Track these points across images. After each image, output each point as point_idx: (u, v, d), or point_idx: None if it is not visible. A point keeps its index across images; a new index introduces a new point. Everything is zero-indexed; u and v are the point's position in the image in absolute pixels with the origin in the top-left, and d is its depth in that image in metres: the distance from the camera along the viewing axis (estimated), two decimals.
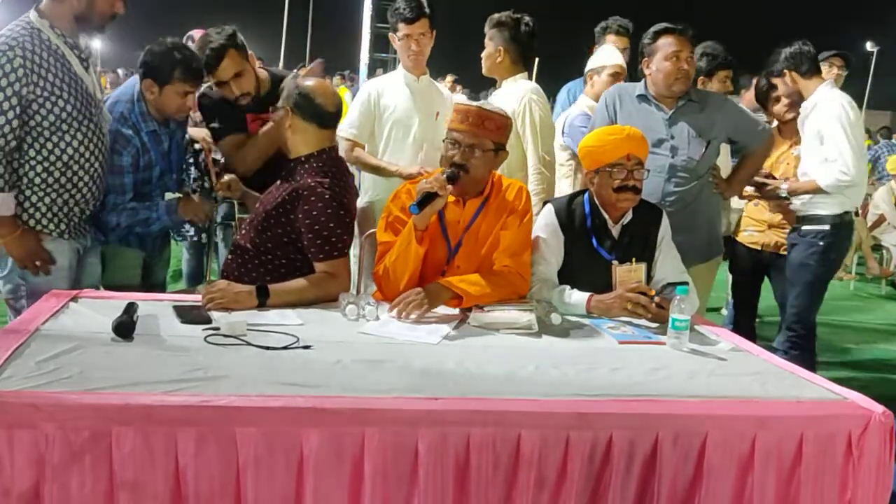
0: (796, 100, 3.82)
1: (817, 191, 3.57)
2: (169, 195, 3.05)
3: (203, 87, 3.27)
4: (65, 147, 2.60)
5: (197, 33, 3.86)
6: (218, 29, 3.10)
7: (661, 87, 3.16)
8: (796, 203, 3.70)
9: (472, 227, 2.61)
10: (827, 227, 3.62)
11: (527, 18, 3.58)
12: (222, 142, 3.23)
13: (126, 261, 3.06)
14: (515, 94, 3.45)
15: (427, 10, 3.41)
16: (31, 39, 2.51)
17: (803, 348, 3.75)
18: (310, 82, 2.64)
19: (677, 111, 3.17)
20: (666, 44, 3.13)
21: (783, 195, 3.70)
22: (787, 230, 3.81)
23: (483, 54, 3.62)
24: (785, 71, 3.68)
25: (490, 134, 2.54)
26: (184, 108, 2.98)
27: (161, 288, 3.24)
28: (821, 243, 3.63)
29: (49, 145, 2.58)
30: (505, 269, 2.57)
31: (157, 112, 2.94)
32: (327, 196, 2.49)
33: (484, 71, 3.66)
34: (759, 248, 3.92)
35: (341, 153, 3.42)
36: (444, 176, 2.47)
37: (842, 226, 3.66)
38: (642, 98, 3.22)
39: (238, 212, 3.16)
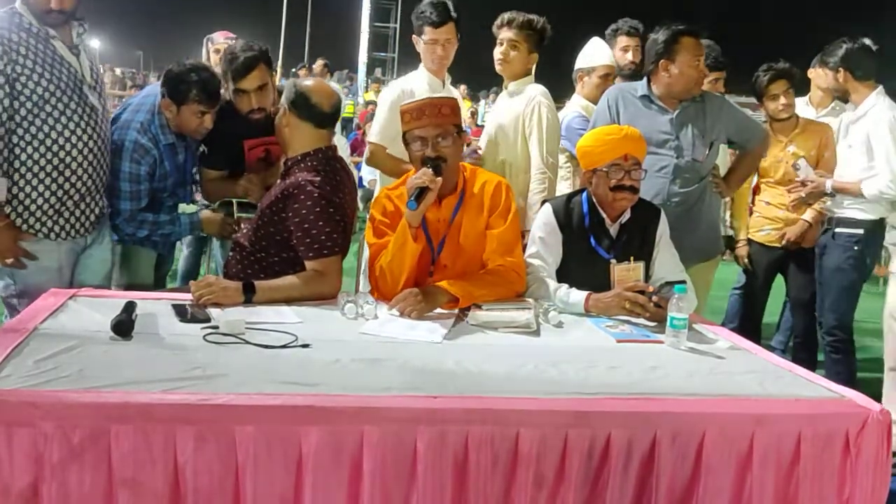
0: (792, 102, 3.86)
1: (858, 194, 3.57)
2: (183, 206, 3.12)
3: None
4: (53, 123, 2.58)
5: (219, 36, 3.81)
6: (250, 42, 3.11)
7: (680, 91, 3.12)
8: (831, 205, 3.71)
9: (453, 225, 2.60)
10: (861, 231, 3.65)
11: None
12: (204, 175, 3.26)
13: (141, 261, 3.12)
14: (524, 96, 3.42)
15: (454, 15, 3.33)
16: (8, 21, 2.54)
17: (846, 352, 3.79)
18: (308, 82, 2.66)
19: (682, 112, 3.15)
20: (688, 47, 3.08)
21: (828, 192, 3.67)
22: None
23: (510, 56, 3.45)
24: (840, 69, 3.64)
25: (449, 118, 2.55)
26: (201, 129, 3.01)
27: (162, 281, 3.30)
28: (855, 248, 3.65)
29: (38, 121, 2.56)
30: (500, 268, 2.57)
31: (178, 129, 3.00)
32: (316, 194, 2.49)
33: (506, 71, 3.50)
34: (779, 245, 3.94)
35: (365, 158, 3.38)
36: (430, 169, 2.46)
37: (876, 231, 3.67)
38: (645, 99, 3.20)
39: (237, 211, 3.18)
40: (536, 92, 3.44)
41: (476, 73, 3.63)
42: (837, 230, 3.69)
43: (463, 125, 2.68)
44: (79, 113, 2.65)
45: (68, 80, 2.63)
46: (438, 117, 2.53)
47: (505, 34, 3.46)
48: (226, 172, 3.24)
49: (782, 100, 3.87)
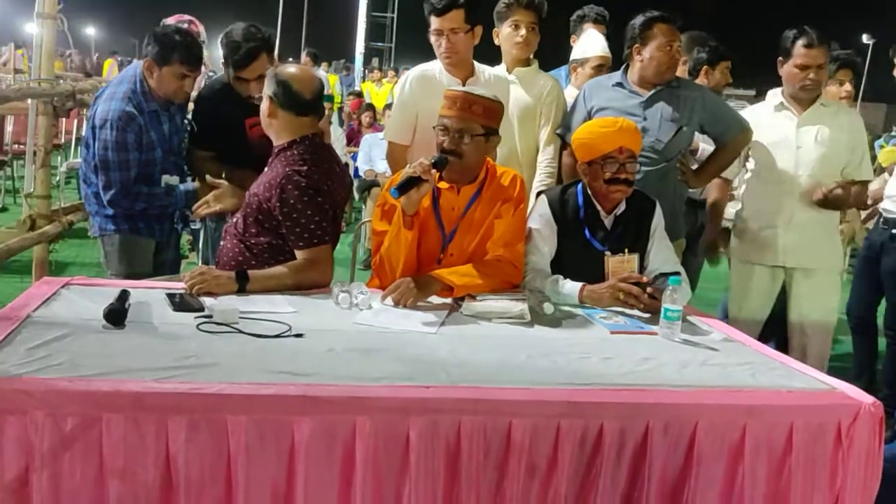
0: (852, 92, 3.95)
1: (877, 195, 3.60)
2: (166, 177, 3.09)
3: (204, 87, 3.27)
4: None
5: (172, 20, 3.78)
6: (253, 27, 3.07)
7: (651, 74, 3.14)
8: (887, 204, 3.70)
9: (466, 215, 2.60)
10: None
11: None
12: (195, 154, 3.25)
13: (139, 249, 3.11)
14: (539, 84, 3.37)
15: (461, 1, 2.97)
16: None
17: None
18: (289, 69, 2.64)
19: (654, 94, 3.17)
20: (660, 33, 3.11)
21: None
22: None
23: (533, 41, 3.34)
24: None
25: (478, 118, 2.52)
26: (181, 92, 3.03)
27: (162, 269, 3.24)
28: None
29: None
30: (497, 259, 2.57)
31: (158, 92, 3.00)
32: (304, 184, 2.49)
33: (523, 56, 3.37)
34: None
35: (387, 157, 3.28)
36: (430, 161, 2.46)
37: None
38: (619, 85, 3.22)
39: None
40: (553, 82, 3.41)
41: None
42: (895, 231, 3.69)
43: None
44: None
45: None
46: (467, 112, 2.51)
47: (525, 17, 3.29)
48: (213, 154, 3.21)
49: (847, 86, 3.96)
